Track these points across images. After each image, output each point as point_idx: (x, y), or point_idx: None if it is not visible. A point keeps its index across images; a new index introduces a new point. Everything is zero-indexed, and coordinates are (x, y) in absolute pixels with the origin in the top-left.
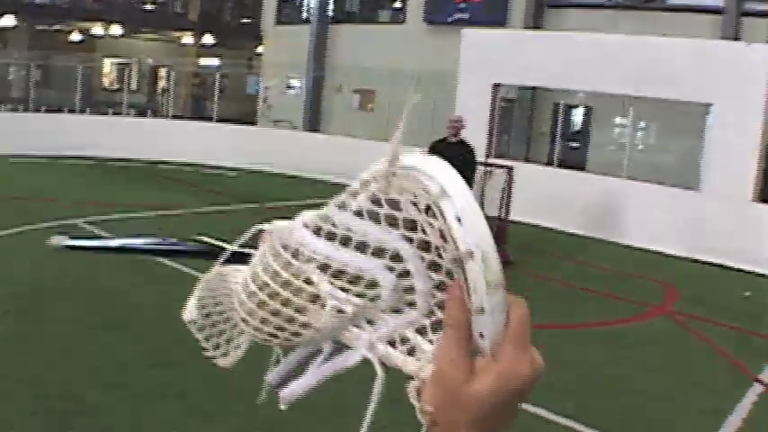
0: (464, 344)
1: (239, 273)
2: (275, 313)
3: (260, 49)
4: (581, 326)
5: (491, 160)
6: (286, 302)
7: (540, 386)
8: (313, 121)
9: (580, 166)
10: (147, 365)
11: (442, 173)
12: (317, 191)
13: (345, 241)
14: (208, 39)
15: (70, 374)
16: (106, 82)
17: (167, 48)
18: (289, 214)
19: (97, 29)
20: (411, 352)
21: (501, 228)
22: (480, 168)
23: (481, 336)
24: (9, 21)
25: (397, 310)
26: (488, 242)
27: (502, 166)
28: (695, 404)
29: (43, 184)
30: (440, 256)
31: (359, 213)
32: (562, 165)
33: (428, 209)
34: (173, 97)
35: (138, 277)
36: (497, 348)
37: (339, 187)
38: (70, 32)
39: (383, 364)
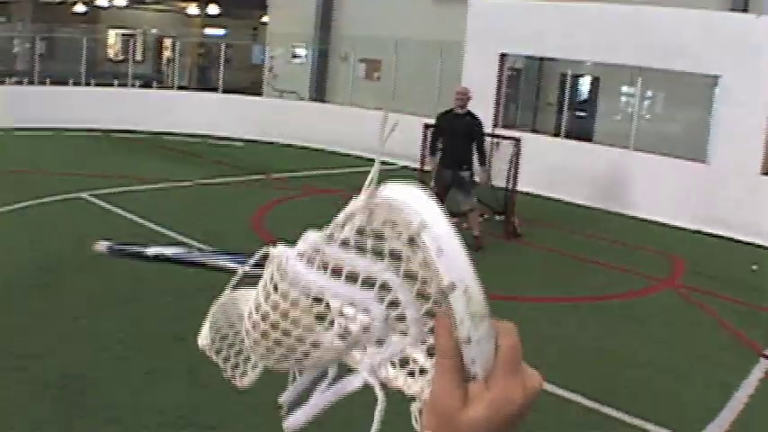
0: (455, 371)
1: (249, 295)
2: (278, 343)
3: (265, 19)
4: (586, 299)
5: (498, 131)
6: (286, 332)
7: (543, 360)
8: (319, 91)
9: (587, 137)
10: (156, 342)
11: (421, 204)
12: (323, 161)
13: (337, 272)
14: (213, 8)
15: (77, 352)
16: (111, 53)
17: (172, 18)
18: (295, 187)
19: (101, 0)
20: (412, 374)
21: (509, 199)
22: (487, 140)
23: (473, 362)
24: None
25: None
26: (470, 274)
27: (509, 138)
28: (701, 378)
29: (49, 157)
30: (426, 286)
31: (346, 245)
32: (569, 135)
33: (411, 240)
34: (178, 68)
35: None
36: (489, 375)
37: (348, 158)
38: (74, 4)
39: (384, 387)
